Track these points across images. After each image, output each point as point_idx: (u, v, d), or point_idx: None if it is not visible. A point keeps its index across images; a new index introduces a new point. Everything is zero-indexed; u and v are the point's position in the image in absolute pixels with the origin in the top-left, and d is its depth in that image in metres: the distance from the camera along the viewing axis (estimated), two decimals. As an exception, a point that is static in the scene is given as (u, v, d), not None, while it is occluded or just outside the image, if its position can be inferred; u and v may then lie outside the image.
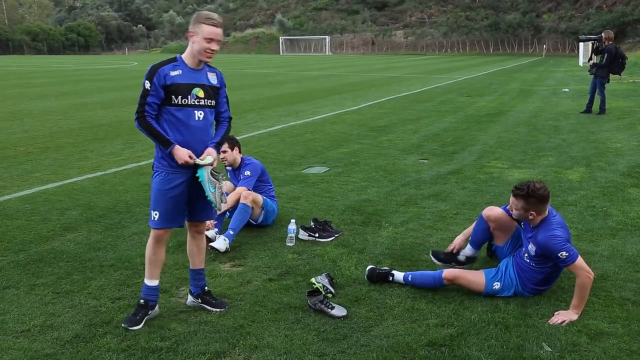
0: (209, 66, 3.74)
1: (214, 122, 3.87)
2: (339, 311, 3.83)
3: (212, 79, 3.75)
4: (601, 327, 3.67)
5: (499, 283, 4.10)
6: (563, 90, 20.60)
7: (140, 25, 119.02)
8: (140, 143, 10.29)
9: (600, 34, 14.52)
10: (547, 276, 4.10)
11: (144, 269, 4.59)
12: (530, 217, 4.06)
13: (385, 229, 5.63)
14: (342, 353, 3.39)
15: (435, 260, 4.68)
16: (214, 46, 3.60)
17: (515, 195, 4.09)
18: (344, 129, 12.00)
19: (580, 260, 3.89)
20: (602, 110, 14.07)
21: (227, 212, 5.43)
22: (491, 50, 75.27)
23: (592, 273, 3.89)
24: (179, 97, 3.56)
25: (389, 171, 8.13)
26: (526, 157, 9.03)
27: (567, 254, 3.85)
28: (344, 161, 8.83)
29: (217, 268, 4.67)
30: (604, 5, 71.22)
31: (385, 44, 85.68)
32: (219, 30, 3.61)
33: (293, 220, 5.29)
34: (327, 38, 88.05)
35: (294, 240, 5.21)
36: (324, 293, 4.01)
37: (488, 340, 3.52)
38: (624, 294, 4.17)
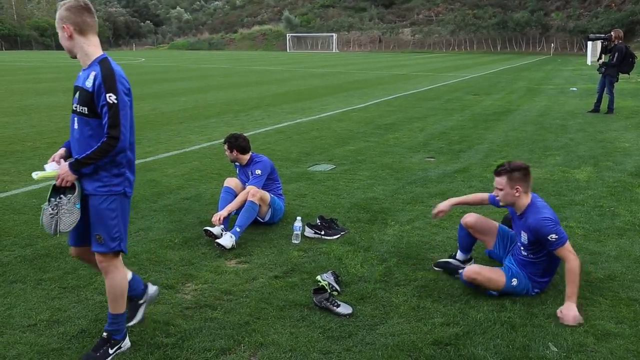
0: (98, 63, 3.06)
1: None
2: (344, 309, 3.83)
3: (89, 80, 3.03)
4: (608, 328, 3.65)
5: (516, 279, 4.09)
6: (571, 89, 20.50)
7: (148, 22, 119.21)
8: (147, 139, 10.32)
9: (609, 32, 14.44)
10: (546, 266, 4.09)
11: (150, 264, 4.64)
12: (517, 195, 4.04)
13: (391, 227, 5.62)
14: (348, 351, 3.39)
15: (435, 269, 4.64)
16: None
17: (498, 174, 4.08)
18: (350, 127, 11.99)
19: (568, 244, 3.92)
20: (610, 109, 13.99)
21: (234, 210, 5.43)
22: (499, 48, 74.95)
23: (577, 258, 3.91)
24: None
25: (396, 169, 8.12)
26: (533, 156, 8.99)
27: (556, 236, 3.87)
28: (350, 159, 8.82)
29: (222, 265, 4.67)
30: (613, 4, 70.79)
31: (393, 41, 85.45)
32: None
33: (299, 218, 5.29)
34: (334, 35, 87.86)
35: (300, 238, 5.20)
36: (329, 291, 4.01)
37: (494, 339, 3.50)
38: (631, 294, 4.14)
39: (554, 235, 3.87)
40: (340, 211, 6.12)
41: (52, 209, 3.10)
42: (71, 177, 3.07)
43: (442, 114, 14.16)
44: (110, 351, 3.27)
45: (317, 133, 11.21)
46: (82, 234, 3.22)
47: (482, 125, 12.18)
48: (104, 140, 3.00)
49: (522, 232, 4.09)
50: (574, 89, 20.47)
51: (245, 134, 5.87)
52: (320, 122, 12.81)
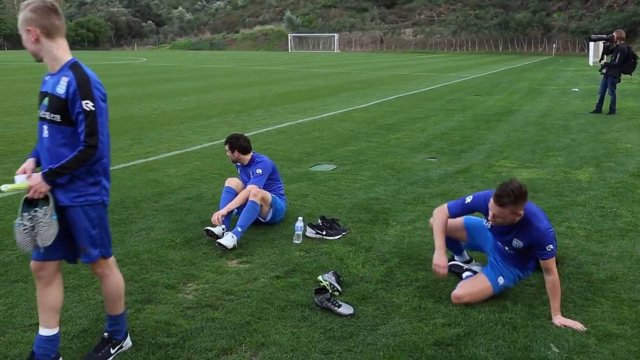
0: (70, 68, 2.89)
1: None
2: (345, 309, 3.82)
3: (61, 86, 2.87)
4: (610, 329, 3.65)
5: (502, 277, 4.06)
6: (572, 89, 20.48)
7: (150, 22, 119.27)
8: (148, 139, 10.33)
9: (612, 33, 14.42)
10: (532, 254, 4.01)
11: (151, 264, 4.64)
12: (518, 218, 3.85)
13: (392, 228, 5.62)
14: (349, 351, 3.39)
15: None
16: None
17: (502, 205, 3.73)
18: (352, 127, 11.98)
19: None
20: (612, 110, 13.98)
21: (236, 209, 5.43)
22: (500, 49, 74.90)
23: None
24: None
25: (397, 169, 8.11)
26: (535, 157, 8.98)
27: (552, 247, 3.82)
28: (351, 159, 8.81)
29: (224, 265, 4.67)
30: (615, 5, 70.71)
31: (394, 42, 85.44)
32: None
33: (300, 218, 5.29)
34: (336, 36, 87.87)
35: (301, 238, 5.20)
36: (330, 291, 4.00)
37: (495, 340, 3.50)
38: (633, 295, 4.14)
39: (551, 246, 3.80)
40: (341, 211, 6.11)
41: (28, 223, 2.89)
42: (45, 188, 2.88)
43: (444, 114, 14.15)
44: (112, 351, 3.27)
45: (319, 133, 11.21)
46: (51, 247, 2.99)
47: (483, 125, 12.17)
48: (81, 149, 2.85)
49: (516, 239, 3.94)
50: (576, 89, 20.45)
51: (246, 134, 5.88)
52: (321, 122, 12.81)
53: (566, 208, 6.27)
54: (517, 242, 3.96)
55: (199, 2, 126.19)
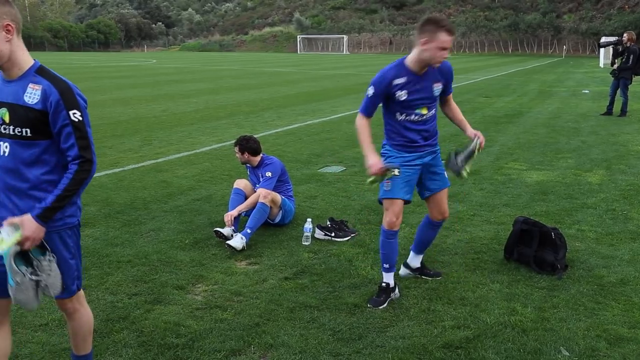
0: (38, 74, 2.46)
1: (64, 166, 2.50)
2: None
3: (30, 96, 2.42)
4: (621, 332, 3.62)
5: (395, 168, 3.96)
6: (583, 91, 20.36)
7: (160, 23, 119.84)
8: (158, 140, 10.37)
9: (622, 35, 14.31)
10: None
11: (160, 265, 4.65)
12: None
13: (401, 230, 5.56)
14: (358, 353, 3.38)
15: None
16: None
17: (453, 31, 3.86)
18: (360, 129, 11.95)
19: None
20: (623, 112, 13.88)
21: (244, 212, 5.45)
22: (510, 50, 74.58)
23: None
24: None
25: (406, 171, 8.08)
26: (545, 159, 8.94)
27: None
28: (360, 161, 8.78)
29: (233, 266, 4.68)
30: (626, 6, 70.24)
31: (403, 43, 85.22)
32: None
33: (309, 219, 5.29)
34: (345, 37, 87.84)
35: (310, 239, 5.20)
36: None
37: (505, 343, 3.48)
38: (644, 299, 4.10)
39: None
40: (350, 213, 6.11)
41: (34, 278, 2.44)
42: (42, 233, 2.42)
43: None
44: None
45: (328, 135, 11.21)
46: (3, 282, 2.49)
47: (493, 127, 12.12)
48: (77, 168, 2.43)
49: (437, 83, 3.92)
50: (586, 91, 20.33)
51: (255, 136, 5.89)
52: (330, 123, 12.81)
53: (576, 211, 6.23)
54: (437, 88, 3.94)
55: (209, 4, 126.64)
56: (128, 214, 6.02)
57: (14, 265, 2.39)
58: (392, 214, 4.00)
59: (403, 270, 4.50)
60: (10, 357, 3.24)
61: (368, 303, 3.98)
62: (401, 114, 3.93)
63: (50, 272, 2.49)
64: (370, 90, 3.88)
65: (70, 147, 2.45)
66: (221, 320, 3.75)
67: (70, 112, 2.44)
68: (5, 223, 2.40)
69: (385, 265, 4.09)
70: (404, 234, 5.45)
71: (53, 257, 2.52)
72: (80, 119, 2.46)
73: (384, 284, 4.07)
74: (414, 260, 4.48)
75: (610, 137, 11.00)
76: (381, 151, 4.06)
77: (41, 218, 2.40)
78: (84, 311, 2.81)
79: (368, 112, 3.96)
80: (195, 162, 8.67)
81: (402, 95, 3.84)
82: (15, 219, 2.40)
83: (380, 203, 4.11)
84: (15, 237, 2.37)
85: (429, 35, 3.65)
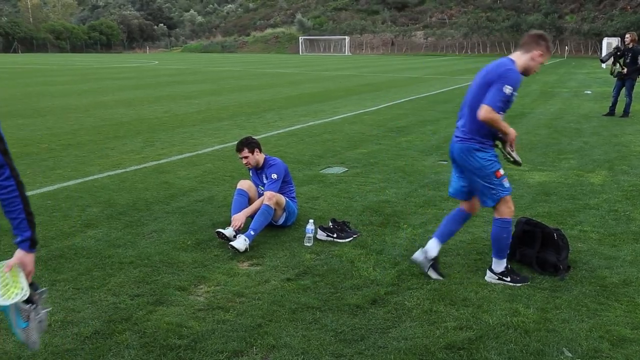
0: None
1: None
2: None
3: None
4: (624, 333, 3.61)
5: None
6: (585, 92, 20.34)
7: (162, 25, 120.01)
8: (160, 141, 10.38)
9: (625, 36, 14.28)
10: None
11: (163, 266, 4.66)
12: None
13: (403, 231, 5.60)
14: (360, 354, 3.38)
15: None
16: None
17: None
18: (362, 130, 11.98)
19: None
20: (626, 113, 13.86)
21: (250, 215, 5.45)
22: (512, 51, 74.05)
23: None
24: None
25: (408, 172, 8.09)
26: (547, 160, 8.93)
27: None
28: (362, 162, 8.81)
29: (235, 267, 4.68)
30: (629, 7, 70.14)
31: (405, 44, 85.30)
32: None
33: (311, 221, 5.29)
34: (347, 38, 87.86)
35: (312, 241, 5.20)
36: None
37: (507, 344, 3.48)
38: (647, 300, 4.10)
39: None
40: (352, 214, 6.11)
41: (42, 313, 2.39)
42: (34, 262, 2.37)
43: (455, 117, 14.03)
44: None
45: (330, 136, 11.22)
46: None
47: (495, 128, 12.09)
48: (21, 182, 2.31)
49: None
50: (589, 92, 20.31)
51: (257, 137, 5.92)
52: (332, 124, 12.82)
53: (579, 211, 6.22)
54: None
55: (211, 5, 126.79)
56: (130, 215, 6.03)
57: (17, 305, 2.30)
58: (512, 204, 4.44)
59: (419, 254, 4.51)
60: (12, 359, 3.24)
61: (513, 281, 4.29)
62: (503, 113, 4.20)
63: (45, 310, 2.45)
64: (509, 90, 4.07)
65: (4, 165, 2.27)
66: (223, 321, 3.76)
67: None
68: (5, 269, 2.30)
69: (507, 252, 4.40)
70: (406, 235, 5.45)
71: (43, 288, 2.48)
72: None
73: (509, 266, 4.41)
74: (434, 249, 4.50)
75: (613, 137, 10.98)
76: (484, 147, 4.46)
77: (31, 247, 2.33)
78: None
79: (503, 109, 4.17)
80: (197, 163, 8.68)
81: (515, 96, 4.16)
82: (13, 261, 2.30)
83: (496, 201, 4.37)
84: (17, 272, 2.30)
85: (544, 51, 4.12)
